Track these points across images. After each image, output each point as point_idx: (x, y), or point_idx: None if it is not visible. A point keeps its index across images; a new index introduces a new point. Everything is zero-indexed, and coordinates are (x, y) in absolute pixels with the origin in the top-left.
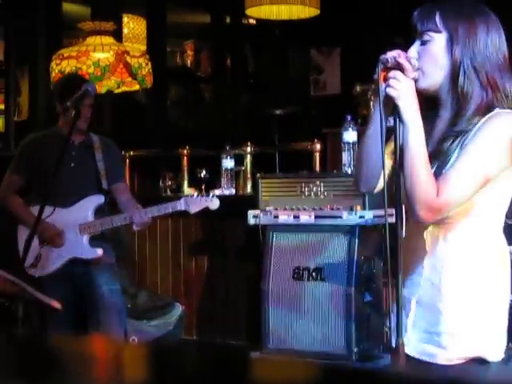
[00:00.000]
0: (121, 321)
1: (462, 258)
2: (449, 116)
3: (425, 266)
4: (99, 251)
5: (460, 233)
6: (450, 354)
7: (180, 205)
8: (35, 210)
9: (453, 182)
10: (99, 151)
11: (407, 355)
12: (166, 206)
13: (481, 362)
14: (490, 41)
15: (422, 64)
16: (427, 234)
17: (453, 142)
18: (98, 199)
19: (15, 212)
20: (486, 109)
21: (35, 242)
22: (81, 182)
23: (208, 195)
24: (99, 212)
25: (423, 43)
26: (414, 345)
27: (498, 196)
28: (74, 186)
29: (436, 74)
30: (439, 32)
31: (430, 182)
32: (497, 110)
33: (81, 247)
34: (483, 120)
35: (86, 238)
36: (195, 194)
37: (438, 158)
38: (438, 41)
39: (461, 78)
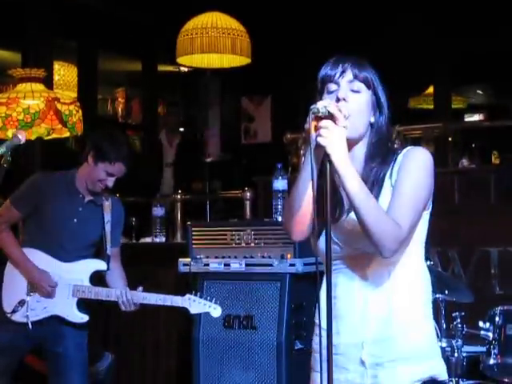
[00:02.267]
0: (83, 375)
1: (407, 288)
2: (359, 167)
3: (369, 304)
4: (85, 318)
5: (403, 264)
6: (405, 378)
7: (182, 302)
8: (27, 252)
9: (405, 213)
10: (108, 212)
11: None
12: (166, 298)
13: (434, 382)
14: (387, 102)
15: (351, 112)
16: (369, 273)
17: (372, 186)
18: (99, 265)
19: (7, 249)
20: (393, 153)
21: (22, 286)
22: (83, 242)
23: (211, 300)
24: (96, 278)
25: (354, 91)
26: (369, 382)
27: (425, 223)
28: (76, 243)
29: (359, 126)
30: (369, 88)
31: (390, 218)
32: (408, 147)
33: (68, 309)
34: (400, 157)
35: (75, 301)
36: (198, 295)
37: None
38: (366, 96)
39: (381, 134)
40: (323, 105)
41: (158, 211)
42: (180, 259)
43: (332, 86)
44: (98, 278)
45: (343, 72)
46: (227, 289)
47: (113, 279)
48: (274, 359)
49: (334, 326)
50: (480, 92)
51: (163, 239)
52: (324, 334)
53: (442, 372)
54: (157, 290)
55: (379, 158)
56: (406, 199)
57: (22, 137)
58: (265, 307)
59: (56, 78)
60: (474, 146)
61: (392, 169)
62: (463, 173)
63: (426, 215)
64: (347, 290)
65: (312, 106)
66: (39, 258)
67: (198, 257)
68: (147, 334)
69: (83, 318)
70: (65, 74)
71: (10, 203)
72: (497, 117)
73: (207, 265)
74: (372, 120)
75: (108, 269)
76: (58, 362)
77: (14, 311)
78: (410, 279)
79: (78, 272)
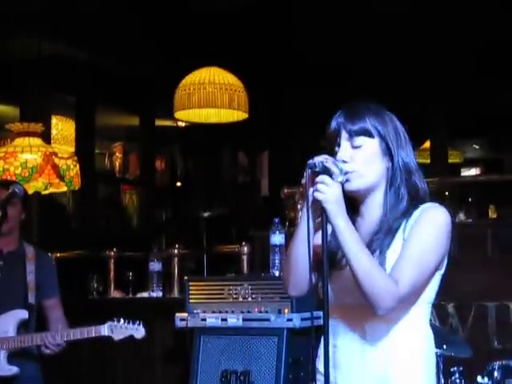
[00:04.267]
0: None
1: (408, 351)
2: (377, 215)
3: (366, 360)
4: (14, 370)
5: (405, 324)
6: None
7: (104, 330)
8: None
9: (408, 272)
10: (31, 262)
11: None
12: (89, 330)
13: None
14: (408, 143)
15: (358, 167)
16: (366, 330)
17: (385, 236)
18: (22, 314)
19: None
20: (413, 206)
21: None
22: (7, 294)
23: (134, 323)
24: (23, 327)
25: (355, 147)
26: None
27: (435, 283)
28: (2, 297)
29: (371, 176)
30: (371, 137)
31: (386, 275)
32: (428, 204)
33: None
34: (417, 213)
35: (3, 354)
36: (121, 320)
37: (372, 252)
38: (371, 145)
39: (398, 180)
40: (320, 160)
41: (155, 266)
42: (177, 314)
43: (337, 147)
44: (27, 328)
45: (339, 131)
46: (224, 344)
47: (54, 330)
48: None
49: (332, 374)
50: (476, 146)
51: (160, 294)
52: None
53: None
54: (153, 345)
55: (397, 207)
56: (411, 261)
57: (19, 190)
58: (262, 362)
59: (54, 132)
60: (470, 200)
61: (407, 222)
62: (460, 227)
63: (438, 276)
64: (346, 342)
65: (309, 161)
66: None
67: (195, 311)
68: None
69: (11, 369)
70: (63, 128)
71: None
72: (493, 170)
73: (204, 320)
74: (387, 165)
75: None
76: None
77: None
78: (411, 341)
79: (2, 325)
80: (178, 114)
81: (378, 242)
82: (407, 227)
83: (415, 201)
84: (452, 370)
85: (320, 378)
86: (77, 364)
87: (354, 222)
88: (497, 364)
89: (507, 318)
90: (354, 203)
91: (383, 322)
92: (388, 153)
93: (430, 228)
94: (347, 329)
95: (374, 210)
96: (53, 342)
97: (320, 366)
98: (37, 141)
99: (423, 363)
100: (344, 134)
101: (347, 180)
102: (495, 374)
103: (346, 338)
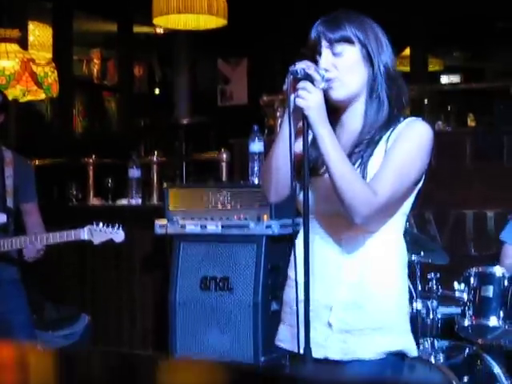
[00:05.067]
0: (26, 337)
1: (382, 259)
2: (358, 125)
3: (342, 269)
4: None
5: (380, 235)
6: (374, 348)
7: (83, 233)
8: None
9: (388, 182)
10: (10, 167)
11: (321, 359)
12: (69, 234)
13: (401, 356)
14: (389, 50)
15: (341, 75)
16: (343, 239)
17: (366, 147)
18: (1, 218)
19: None
20: (395, 117)
21: None
22: None
23: (114, 227)
24: (1, 231)
25: (336, 55)
26: (336, 347)
27: (412, 196)
28: None
29: (353, 84)
30: (352, 44)
31: (365, 184)
32: (413, 118)
33: None
34: (401, 126)
35: None
36: (100, 224)
37: (353, 163)
38: (352, 52)
39: (378, 87)
40: (301, 66)
41: (134, 173)
42: (156, 221)
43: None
44: (5, 232)
45: (319, 40)
46: (203, 250)
47: (31, 234)
48: (251, 320)
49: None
50: (456, 54)
51: (139, 201)
52: (299, 287)
53: (411, 349)
54: (133, 252)
55: (377, 117)
56: (391, 171)
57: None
58: (241, 269)
59: (31, 38)
60: (449, 108)
61: (390, 134)
62: (439, 135)
63: (416, 189)
64: (322, 250)
65: (290, 68)
66: None
67: (175, 219)
68: (123, 296)
69: None
70: (40, 34)
71: None
72: (473, 79)
73: (183, 226)
74: (368, 74)
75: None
76: None
77: None
78: (386, 251)
79: None
80: (156, 20)
81: (360, 153)
82: (390, 139)
83: (396, 108)
84: (429, 276)
85: (291, 284)
86: (57, 270)
87: (334, 131)
88: (473, 271)
89: (484, 226)
90: (334, 113)
91: (359, 233)
92: (369, 59)
93: (412, 141)
94: (324, 237)
95: (355, 120)
96: (32, 247)
97: (291, 272)
98: (14, 47)
99: (397, 271)
100: (324, 43)
101: (330, 88)
102: (471, 280)
103: (322, 247)
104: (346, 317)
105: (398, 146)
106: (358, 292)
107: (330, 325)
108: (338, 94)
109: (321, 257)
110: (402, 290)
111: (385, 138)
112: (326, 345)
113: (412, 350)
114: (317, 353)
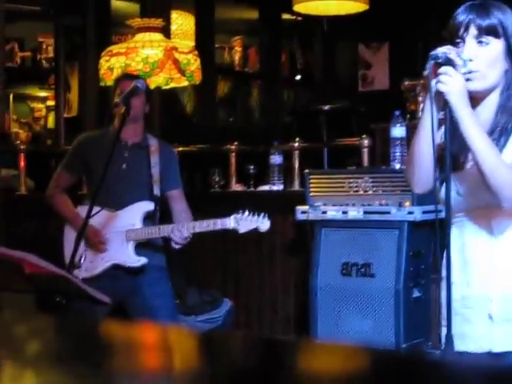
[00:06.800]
0: (169, 322)
1: None
2: (491, 115)
3: (496, 256)
4: (143, 260)
5: None
6: None
7: (230, 222)
8: (81, 209)
9: None
10: (155, 155)
11: (484, 353)
12: (215, 222)
13: None
14: None
15: (482, 67)
16: (494, 225)
17: (500, 137)
18: (148, 206)
19: (60, 211)
20: None
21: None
22: (132, 186)
23: (259, 215)
24: (149, 219)
25: (482, 43)
26: (500, 338)
27: None
28: (124, 190)
29: (492, 77)
30: (498, 37)
31: (508, 166)
32: None
33: (125, 255)
34: None
35: (131, 246)
36: (246, 212)
37: None
38: (497, 45)
39: None
40: (443, 51)
41: (276, 159)
42: (298, 207)
43: (459, 40)
44: (152, 219)
45: (467, 26)
46: (345, 236)
47: (178, 221)
48: (392, 307)
49: (463, 275)
50: None
51: (281, 187)
52: (453, 287)
53: None
54: (274, 238)
55: (508, 106)
56: None
57: (142, 85)
58: (383, 255)
59: (174, 27)
60: None
61: None
62: None
63: None
64: (475, 239)
65: (432, 53)
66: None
67: (316, 204)
68: (264, 281)
69: (140, 260)
70: (182, 23)
71: (60, 166)
72: None
73: (325, 212)
74: (507, 67)
75: (173, 211)
76: (140, 315)
77: (77, 267)
78: None
79: (129, 217)
80: (297, 7)
81: (494, 141)
82: None
83: None
84: None
85: (443, 286)
86: (199, 255)
87: None
88: None
89: None
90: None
91: (508, 217)
92: (509, 54)
93: None
94: (474, 227)
95: (487, 110)
96: (179, 234)
97: (444, 272)
98: (157, 36)
99: None
100: (472, 31)
101: (469, 79)
102: None
103: (474, 235)
104: (506, 306)
105: None
106: None
107: (490, 317)
108: (476, 85)
109: (473, 246)
110: None
111: None
112: (490, 337)
113: None
114: (481, 347)
